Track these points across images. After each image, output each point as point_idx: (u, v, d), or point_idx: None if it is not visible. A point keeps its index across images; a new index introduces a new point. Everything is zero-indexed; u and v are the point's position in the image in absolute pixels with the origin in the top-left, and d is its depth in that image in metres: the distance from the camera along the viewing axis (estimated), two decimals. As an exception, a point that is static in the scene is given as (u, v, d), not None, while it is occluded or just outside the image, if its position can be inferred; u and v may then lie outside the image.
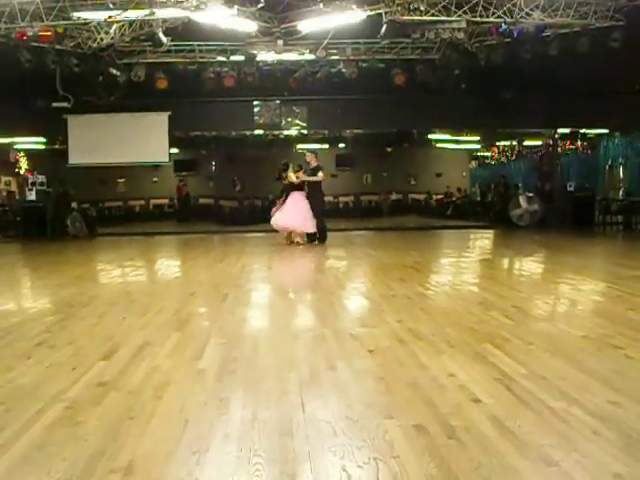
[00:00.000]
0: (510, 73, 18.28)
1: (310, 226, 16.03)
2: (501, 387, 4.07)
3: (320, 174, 16.36)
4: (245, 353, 5.10)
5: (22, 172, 27.80)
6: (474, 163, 34.91)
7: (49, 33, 16.09)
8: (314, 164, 16.46)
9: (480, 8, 15.38)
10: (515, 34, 16.18)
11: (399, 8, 15.19)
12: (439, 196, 30.78)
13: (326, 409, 3.72)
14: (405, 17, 15.33)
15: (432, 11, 15.34)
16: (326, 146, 31.76)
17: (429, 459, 2.98)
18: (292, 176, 16.14)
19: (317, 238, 16.32)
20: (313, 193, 16.25)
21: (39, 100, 19.92)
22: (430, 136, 29.68)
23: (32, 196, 21.64)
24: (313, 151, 17.45)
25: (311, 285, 9.16)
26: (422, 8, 15.00)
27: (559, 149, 25.43)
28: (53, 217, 20.93)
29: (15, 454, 3.19)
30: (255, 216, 26.84)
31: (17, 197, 25.86)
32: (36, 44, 16.33)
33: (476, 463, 2.95)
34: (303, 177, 16.19)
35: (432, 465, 2.91)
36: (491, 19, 15.60)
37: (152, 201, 31.62)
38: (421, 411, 3.65)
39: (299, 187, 16.23)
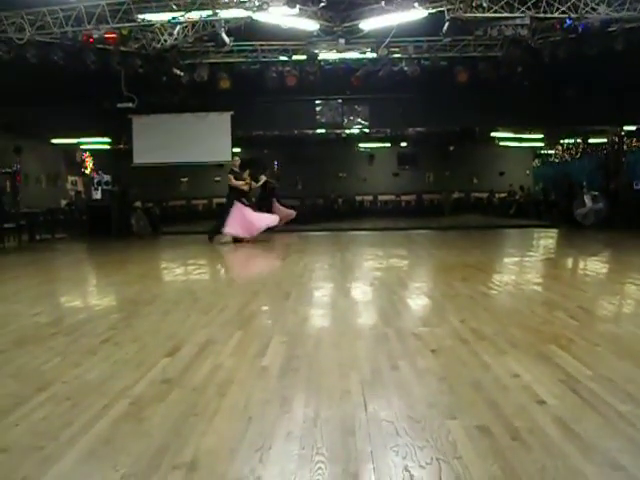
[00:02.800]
0: (575, 69, 18.00)
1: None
2: (566, 389, 4.02)
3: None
4: (307, 351, 5.11)
5: (88, 172, 28.32)
6: (537, 161, 34.46)
7: (114, 35, 16.36)
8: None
9: (544, 4, 15.17)
10: (580, 29, 15.92)
11: (462, 5, 15.08)
12: (502, 195, 30.45)
13: (388, 408, 3.72)
14: (468, 14, 15.21)
15: (495, 8, 15.18)
16: (388, 145, 31.73)
17: (492, 460, 2.95)
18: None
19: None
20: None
21: (104, 101, 20.23)
22: (493, 134, 29.46)
23: (97, 195, 22.04)
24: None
25: (373, 284, 9.13)
26: (485, 5, 14.87)
27: (625, 146, 24.98)
28: (118, 216, 21.24)
29: (82, 448, 3.25)
30: (317, 215, 26.91)
31: (83, 196, 26.32)
32: (101, 46, 16.63)
33: (540, 465, 2.91)
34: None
35: (495, 467, 2.89)
36: (555, 15, 15.36)
37: (215, 200, 31.86)
38: (484, 412, 3.62)
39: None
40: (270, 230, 17.69)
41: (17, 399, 4.07)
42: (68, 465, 3.05)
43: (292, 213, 21.90)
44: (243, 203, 16.65)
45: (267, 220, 17.07)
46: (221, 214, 17.07)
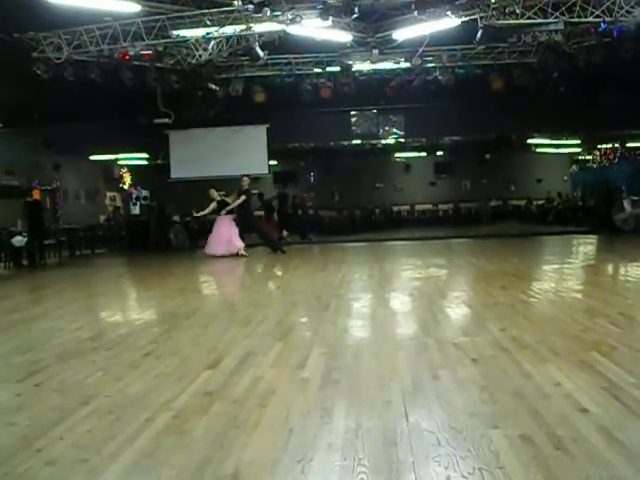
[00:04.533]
0: (610, 73, 17.82)
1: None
2: (609, 396, 3.98)
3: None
4: (347, 362, 5.12)
5: (126, 187, 28.60)
6: (575, 167, 34.13)
7: (150, 52, 16.51)
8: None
9: (578, 8, 15.02)
10: (615, 33, 15.75)
11: (494, 12, 15.01)
12: (540, 202, 30.20)
13: (430, 419, 3.71)
14: (501, 21, 15.14)
15: (528, 14, 15.09)
16: (424, 154, 31.67)
17: (535, 470, 2.94)
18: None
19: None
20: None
21: (141, 117, 20.42)
22: (529, 141, 29.28)
23: (136, 210, 22.24)
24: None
25: (412, 294, 9.11)
26: (518, 11, 14.79)
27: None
28: (156, 230, 21.41)
29: (126, 461, 3.29)
30: (354, 226, 26.91)
31: (122, 212, 26.58)
32: (137, 63, 16.78)
33: (584, 474, 2.89)
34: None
35: (539, 476, 2.88)
36: (589, 19, 15.21)
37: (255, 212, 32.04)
38: (526, 421, 3.60)
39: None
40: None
41: (61, 413, 4.13)
42: (112, 478, 3.10)
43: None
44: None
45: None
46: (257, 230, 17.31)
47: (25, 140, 20.87)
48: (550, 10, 15.12)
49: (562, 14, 15.13)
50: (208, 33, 15.99)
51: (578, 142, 30.10)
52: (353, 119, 22.74)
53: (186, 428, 3.77)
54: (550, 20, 15.27)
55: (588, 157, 32.93)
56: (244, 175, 17.58)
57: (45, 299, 11.12)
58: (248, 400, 4.22)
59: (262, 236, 17.53)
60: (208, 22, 15.68)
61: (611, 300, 7.75)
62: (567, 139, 29.41)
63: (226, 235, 16.95)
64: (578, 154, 33.03)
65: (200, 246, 20.25)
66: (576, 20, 15.29)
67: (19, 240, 16.39)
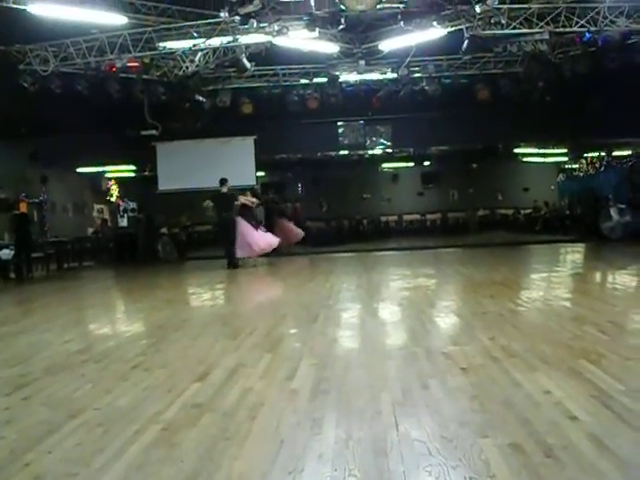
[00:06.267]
0: (596, 83, 17.94)
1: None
2: (598, 404, 3.99)
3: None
4: (337, 373, 5.11)
5: (113, 200, 28.55)
6: (562, 176, 34.24)
7: (137, 64, 16.57)
8: None
9: (562, 18, 15.14)
10: (600, 43, 15.86)
11: (480, 23, 15.10)
12: (527, 211, 30.29)
13: (420, 428, 3.71)
14: (486, 31, 15.24)
15: (513, 24, 15.20)
16: (411, 164, 31.75)
17: (526, 478, 2.95)
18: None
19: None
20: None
21: (128, 129, 20.42)
22: (516, 150, 29.37)
23: (124, 222, 22.22)
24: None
25: (401, 304, 9.11)
26: (503, 21, 14.88)
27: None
28: (144, 242, 21.37)
29: (115, 475, 3.28)
30: (342, 236, 26.92)
31: (109, 224, 26.52)
32: (124, 75, 16.82)
33: (575, 482, 2.90)
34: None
35: (530, 484, 2.88)
36: (574, 29, 15.34)
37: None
38: (516, 429, 3.61)
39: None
40: (276, 251, 18.06)
41: (50, 426, 4.11)
42: (102, 492, 3.07)
43: (301, 233, 22.00)
44: (248, 221, 16.87)
45: (267, 241, 17.19)
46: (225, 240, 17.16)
47: (12, 152, 20.81)
48: (535, 20, 15.23)
49: (547, 24, 15.25)
50: (195, 45, 16.03)
51: (564, 151, 30.23)
52: (340, 130, 22.78)
53: (175, 440, 3.75)
54: (535, 30, 15.38)
55: (575, 166, 33.05)
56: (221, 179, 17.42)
57: (33, 312, 11.07)
58: (238, 412, 4.21)
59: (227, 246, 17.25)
60: (195, 34, 15.73)
61: (599, 308, 7.77)
62: (553, 148, 29.52)
63: (247, 237, 16.84)
64: (565, 163, 33.17)
65: (189, 257, 20.27)
66: (561, 30, 15.41)
67: (6, 253, 16.33)
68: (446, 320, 7.61)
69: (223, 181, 17.11)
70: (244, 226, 16.79)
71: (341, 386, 4.72)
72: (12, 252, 16.41)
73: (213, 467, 3.31)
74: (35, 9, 13.27)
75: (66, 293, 14.06)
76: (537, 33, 15.54)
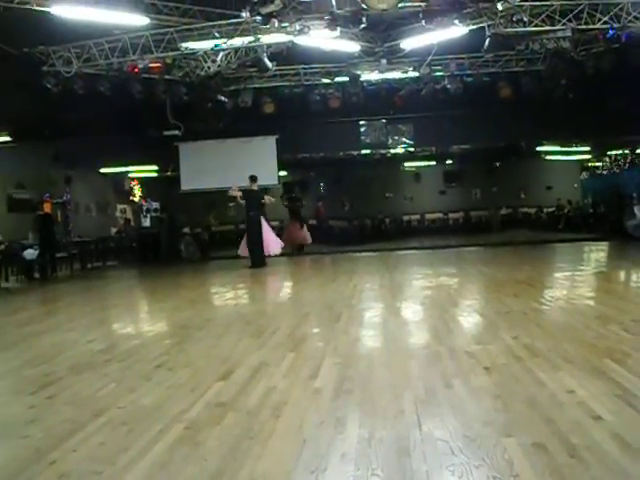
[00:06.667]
0: (619, 80, 17.77)
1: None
2: (623, 404, 3.96)
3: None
4: (360, 372, 5.11)
5: (136, 200, 28.67)
6: (585, 174, 34.04)
7: (159, 64, 16.62)
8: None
9: (585, 15, 15.01)
10: (623, 39, 15.74)
11: (502, 20, 15.02)
12: (550, 209, 30.12)
13: (443, 427, 3.70)
14: (508, 29, 15.15)
15: (535, 21, 15.10)
16: (433, 163, 31.68)
17: (550, 478, 2.93)
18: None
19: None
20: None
21: (151, 129, 20.50)
22: (539, 148, 29.21)
23: (147, 223, 22.27)
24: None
25: (424, 303, 9.10)
26: (525, 19, 14.78)
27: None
28: (167, 242, 21.44)
29: (139, 473, 3.30)
30: (365, 235, 26.88)
31: (132, 224, 26.64)
32: (147, 76, 16.90)
33: (599, 482, 2.88)
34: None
35: (554, 484, 2.86)
36: (597, 25, 15.19)
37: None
38: (540, 429, 3.59)
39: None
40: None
41: (74, 425, 4.13)
42: (126, 490, 3.09)
43: (308, 238, 21.87)
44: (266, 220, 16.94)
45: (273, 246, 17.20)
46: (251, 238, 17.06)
47: (36, 154, 20.94)
48: (558, 17, 15.12)
49: (570, 21, 15.13)
50: (217, 45, 16.07)
51: (588, 149, 30.05)
52: (362, 129, 22.75)
53: (199, 439, 3.77)
54: (558, 27, 15.27)
55: (598, 164, 32.86)
56: (250, 176, 17.32)
57: (57, 312, 11.15)
58: (261, 411, 4.22)
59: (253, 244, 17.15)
60: (216, 34, 15.75)
61: (623, 307, 7.71)
62: (577, 146, 29.34)
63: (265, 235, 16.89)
64: (588, 161, 32.98)
65: (211, 256, 20.32)
66: (584, 27, 15.28)
67: (31, 253, 16.44)
68: (469, 319, 7.58)
69: (254, 178, 17.12)
70: (265, 225, 16.84)
71: (364, 385, 4.72)
72: (36, 252, 16.51)
73: (237, 466, 3.31)
74: (58, 11, 13.34)
75: (90, 293, 14.14)
76: (559, 30, 15.43)
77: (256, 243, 16.75)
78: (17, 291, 14.88)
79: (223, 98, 19.44)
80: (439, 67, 18.93)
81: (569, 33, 15.49)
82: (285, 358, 5.72)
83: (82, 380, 5.41)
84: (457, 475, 3.02)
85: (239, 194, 16.89)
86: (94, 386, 5.15)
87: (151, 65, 16.43)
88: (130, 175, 28.98)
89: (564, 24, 15.19)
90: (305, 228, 21.79)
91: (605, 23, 15.12)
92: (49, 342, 7.50)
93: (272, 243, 17.11)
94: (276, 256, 17.79)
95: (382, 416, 3.99)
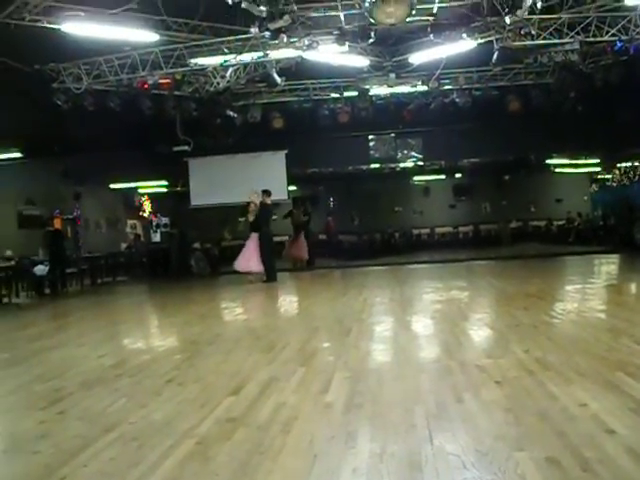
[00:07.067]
0: (628, 92, 17.74)
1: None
2: (636, 417, 3.93)
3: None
4: (371, 386, 5.10)
5: (146, 215, 28.75)
6: (595, 186, 33.95)
7: (168, 80, 16.69)
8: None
9: (593, 28, 14.99)
10: (631, 51, 15.72)
11: (510, 34, 15.01)
12: (560, 222, 30.06)
13: (455, 442, 3.68)
14: (516, 42, 15.13)
15: (544, 34, 15.08)
16: (443, 177, 31.65)
17: (563, 492, 2.91)
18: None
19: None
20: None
21: (160, 145, 20.56)
22: (548, 161, 29.17)
23: (157, 238, 22.34)
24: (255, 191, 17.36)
25: (434, 317, 9.08)
26: (533, 32, 14.76)
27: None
28: (177, 257, 21.48)
29: (150, 489, 3.28)
30: (375, 249, 26.87)
31: (142, 239, 26.70)
32: (156, 91, 16.96)
33: (613, 496, 2.86)
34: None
35: (567, 498, 2.84)
36: (605, 38, 15.17)
37: (275, 239, 32.08)
38: (552, 443, 3.57)
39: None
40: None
41: (85, 440, 4.13)
42: (137, 506, 3.09)
43: (304, 257, 21.70)
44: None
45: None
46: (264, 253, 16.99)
47: (45, 170, 21.03)
48: (566, 30, 15.10)
49: (578, 34, 15.10)
50: (225, 61, 16.11)
51: (597, 161, 29.98)
52: (371, 143, 22.80)
53: (210, 454, 3.76)
54: (566, 40, 15.26)
55: (608, 176, 32.78)
56: (264, 191, 17.24)
57: (67, 327, 11.18)
58: (272, 426, 4.21)
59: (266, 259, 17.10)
60: (225, 50, 15.80)
61: (635, 319, 7.67)
62: (586, 159, 29.28)
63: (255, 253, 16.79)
64: (598, 173, 32.89)
65: (222, 271, 20.34)
66: (592, 39, 15.26)
67: (41, 269, 16.50)
68: (480, 333, 7.57)
69: (269, 193, 17.11)
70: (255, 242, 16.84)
71: (375, 399, 4.71)
72: (47, 268, 16.56)
73: (248, 481, 3.31)
74: (68, 28, 13.41)
75: (100, 308, 14.17)
76: (568, 43, 15.42)
77: (270, 258, 16.74)
78: (27, 306, 14.93)
79: (232, 114, 19.50)
80: (448, 81, 18.95)
81: (577, 46, 15.49)
82: (295, 373, 5.71)
83: (93, 395, 5.42)
84: (469, 490, 3.00)
85: (256, 201, 16.82)
86: (105, 401, 5.15)
87: (160, 81, 16.49)
88: (140, 191, 29.07)
89: (572, 37, 15.18)
90: (305, 244, 21.59)
91: (613, 35, 15.10)
92: (59, 357, 7.52)
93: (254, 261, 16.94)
94: (284, 270, 17.80)
95: (393, 430, 3.98)
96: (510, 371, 5.27)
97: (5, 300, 14.99)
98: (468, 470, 3.24)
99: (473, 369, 5.47)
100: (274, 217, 17.71)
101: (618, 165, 31.03)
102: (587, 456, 3.32)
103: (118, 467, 3.64)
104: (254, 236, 16.75)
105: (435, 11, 14.65)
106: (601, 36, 15.11)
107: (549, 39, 15.21)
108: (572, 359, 5.55)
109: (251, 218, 16.83)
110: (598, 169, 32.01)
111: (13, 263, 16.25)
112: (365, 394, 4.86)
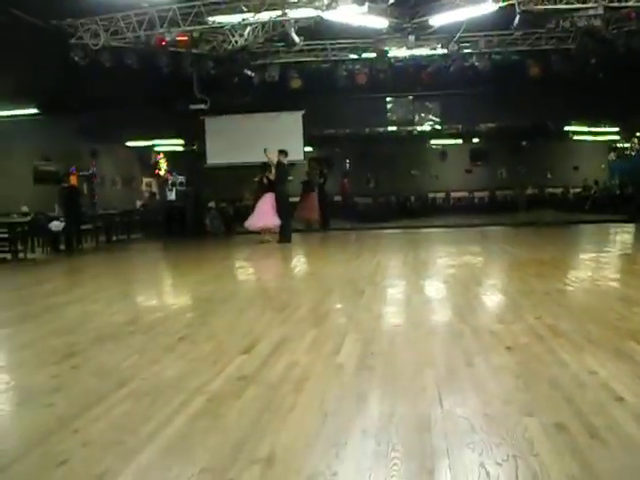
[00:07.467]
0: (651, 59, 17.54)
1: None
2: (646, 386, 3.95)
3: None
4: (382, 349, 5.12)
5: (162, 173, 28.77)
6: (613, 155, 33.66)
7: (186, 38, 16.59)
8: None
9: (618, -7, 14.83)
10: (656, 17, 15.52)
11: (532, -2, 14.86)
12: (577, 190, 29.87)
13: (464, 405, 3.70)
14: (539, 6, 14.97)
15: (567, -1, 14.92)
16: (460, 141, 31.44)
17: (570, 459, 2.92)
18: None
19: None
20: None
21: (177, 103, 20.51)
22: (566, 128, 28.93)
23: (172, 196, 22.36)
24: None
25: (447, 281, 9.08)
26: (556, -4, 14.62)
27: None
28: (192, 216, 21.51)
29: (161, 443, 3.32)
30: (390, 212, 26.81)
31: (158, 197, 26.75)
32: (174, 49, 16.86)
33: (620, 464, 2.87)
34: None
35: (574, 465, 2.85)
36: (630, 3, 14.97)
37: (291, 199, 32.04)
38: (561, 409, 3.58)
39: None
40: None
41: (98, 395, 4.17)
42: (148, 459, 3.12)
43: (314, 217, 21.66)
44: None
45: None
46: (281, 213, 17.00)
47: (62, 126, 21.02)
48: (589, -5, 14.91)
49: (602, -1, 14.91)
50: (244, 19, 16.01)
51: (616, 130, 29.72)
52: (389, 105, 22.69)
53: (221, 412, 3.79)
54: (589, 5, 15.06)
55: (626, 145, 32.50)
56: (280, 150, 17.20)
57: (82, 283, 11.25)
58: (283, 385, 4.24)
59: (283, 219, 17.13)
60: (244, 8, 15.70)
61: (648, 289, 7.66)
62: (605, 127, 29.03)
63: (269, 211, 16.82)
64: (616, 142, 32.60)
65: (236, 231, 20.37)
66: (616, 5, 15.05)
67: (57, 225, 16.55)
68: (492, 298, 7.58)
69: (285, 153, 17.08)
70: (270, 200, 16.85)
71: (386, 362, 4.73)
72: (62, 224, 16.61)
73: (258, 438, 3.33)
74: (86, -17, 13.37)
75: (114, 265, 14.25)
76: (591, 8, 15.21)
77: (287, 218, 16.77)
78: (43, 262, 15.00)
79: (250, 73, 19.39)
80: (468, 44, 18.75)
81: (601, 11, 15.26)
82: (308, 333, 5.74)
83: (106, 351, 5.46)
84: (477, 452, 3.02)
85: (274, 160, 16.78)
86: (118, 357, 5.19)
87: (178, 38, 16.40)
88: (156, 149, 29.07)
89: (596, 2, 14.98)
90: (316, 204, 21.55)
91: (637, 1, 14.90)
92: (74, 313, 7.57)
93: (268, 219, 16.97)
94: (298, 231, 17.82)
95: (403, 393, 4.00)
96: (521, 337, 5.28)
97: (21, 255, 15.05)
98: (476, 433, 3.26)
99: (484, 334, 5.48)
100: (290, 177, 17.67)
101: (637, 134, 30.76)
102: (595, 423, 3.33)
103: (130, 422, 3.68)
104: (267, 196, 16.75)
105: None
106: (625, 1, 14.91)
107: (572, 4, 15.02)
108: (584, 327, 5.55)
109: (272, 177, 16.80)
110: (617, 137, 31.73)
111: (29, 219, 16.31)
112: (376, 356, 4.87)
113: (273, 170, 16.77)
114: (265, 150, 16.86)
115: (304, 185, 21.85)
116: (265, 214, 16.75)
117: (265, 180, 17.01)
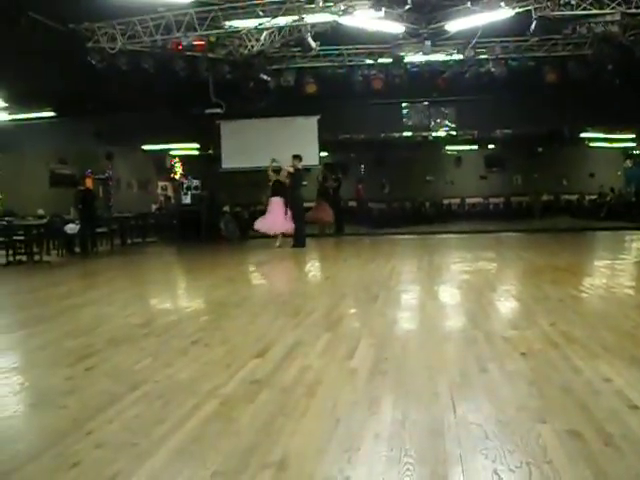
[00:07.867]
0: (668, 66, 17.46)
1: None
2: (661, 394, 3.92)
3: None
4: (396, 354, 5.11)
5: (177, 177, 28.86)
6: (629, 162, 33.52)
7: (202, 42, 16.64)
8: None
9: (635, -1, 14.76)
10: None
11: (549, 3, 14.79)
12: (592, 197, 29.77)
13: (477, 411, 3.69)
14: (555, 12, 14.91)
15: (583, 5, 14.83)
16: (475, 147, 31.42)
17: (584, 466, 2.90)
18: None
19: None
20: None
21: (193, 107, 20.56)
22: (582, 135, 28.85)
23: (187, 200, 22.39)
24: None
25: (461, 287, 9.07)
26: (573, 2, 14.54)
27: None
28: (207, 220, 21.54)
29: (173, 446, 3.33)
30: (405, 218, 26.80)
31: (173, 201, 26.82)
32: (190, 53, 16.92)
33: (635, 472, 2.86)
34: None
35: (587, 472, 2.84)
36: (647, 10, 14.93)
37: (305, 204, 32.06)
38: (575, 416, 3.56)
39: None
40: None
41: (112, 397, 4.19)
42: (160, 461, 3.13)
43: (328, 219, 21.66)
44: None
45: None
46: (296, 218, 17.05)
47: (78, 129, 21.14)
48: (607, 1, 14.84)
49: (619, 5, 14.83)
50: (260, 24, 16.05)
51: (632, 137, 29.61)
52: (404, 111, 22.67)
53: (233, 415, 3.80)
54: (606, 11, 14.98)
55: (643, 152, 32.38)
56: (295, 155, 17.27)
57: (97, 286, 11.29)
58: (296, 389, 4.24)
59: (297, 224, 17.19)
60: (261, 13, 15.72)
61: (664, 297, 7.63)
62: (621, 133, 28.93)
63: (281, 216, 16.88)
64: (632, 149, 32.47)
65: (251, 235, 20.39)
66: (633, 11, 14.97)
67: (72, 228, 16.62)
68: (506, 304, 7.56)
69: (300, 158, 17.15)
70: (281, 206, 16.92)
71: (399, 367, 4.73)
72: (78, 227, 16.69)
73: (270, 442, 3.33)
74: (104, -13, 13.43)
75: (129, 268, 14.30)
76: (608, 14, 15.15)
77: (301, 223, 16.79)
78: (58, 265, 15.07)
79: (266, 77, 19.42)
80: (484, 50, 18.71)
81: (618, 17, 15.19)
82: (321, 338, 5.74)
83: (120, 353, 5.48)
84: (490, 459, 3.01)
85: (291, 170, 16.86)
86: (131, 359, 5.21)
87: (195, 43, 16.44)
88: (171, 152, 29.17)
89: (613, 8, 14.92)
90: (329, 208, 21.55)
91: (655, 8, 14.84)
92: (88, 315, 7.61)
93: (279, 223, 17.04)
94: (312, 236, 17.85)
95: (416, 398, 3.99)
96: (535, 343, 5.27)
97: (36, 258, 15.12)
98: (490, 440, 3.25)
99: (498, 340, 5.46)
100: (304, 183, 17.71)
101: (654, 141, 30.64)
102: (609, 430, 3.31)
103: (143, 424, 3.69)
104: (278, 200, 16.81)
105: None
106: (643, 7, 14.84)
107: (589, 9, 14.95)
108: (598, 334, 5.53)
109: (287, 181, 16.85)
110: (633, 144, 31.61)
111: (45, 221, 16.39)
112: (390, 361, 4.87)
113: (283, 172, 16.84)
114: (273, 160, 17.03)
115: (318, 191, 21.85)
116: (277, 222, 16.82)
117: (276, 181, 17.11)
